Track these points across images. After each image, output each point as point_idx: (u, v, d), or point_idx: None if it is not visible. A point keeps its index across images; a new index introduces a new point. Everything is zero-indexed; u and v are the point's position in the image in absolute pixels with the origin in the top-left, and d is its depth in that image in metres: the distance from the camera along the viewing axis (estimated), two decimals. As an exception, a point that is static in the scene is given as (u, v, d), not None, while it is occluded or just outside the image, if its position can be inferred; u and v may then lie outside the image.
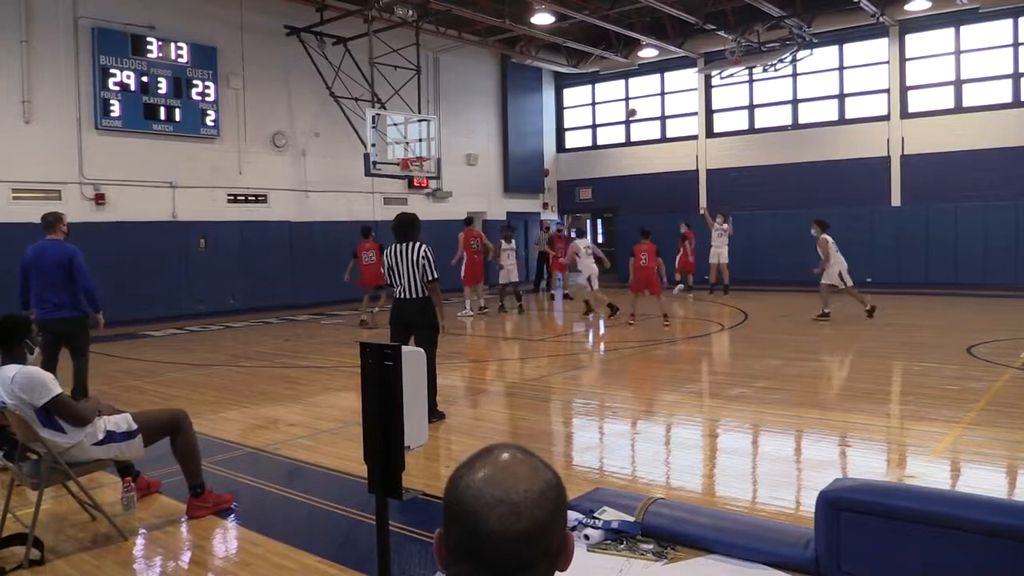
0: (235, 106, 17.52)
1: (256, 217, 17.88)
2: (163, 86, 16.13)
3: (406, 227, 7.31)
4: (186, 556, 4.46)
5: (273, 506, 5.31)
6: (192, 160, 16.74)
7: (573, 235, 20.73)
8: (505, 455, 1.23)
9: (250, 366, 10.86)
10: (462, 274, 16.30)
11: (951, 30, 19.29)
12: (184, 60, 16.47)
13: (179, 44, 16.38)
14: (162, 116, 16.16)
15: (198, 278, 16.78)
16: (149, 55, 15.93)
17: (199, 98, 16.73)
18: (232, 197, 17.55)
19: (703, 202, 23.02)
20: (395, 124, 17.96)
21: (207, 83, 16.82)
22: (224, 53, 17.23)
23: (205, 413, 7.78)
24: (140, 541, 4.61)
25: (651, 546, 3.66)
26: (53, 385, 4.43)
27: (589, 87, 25.70)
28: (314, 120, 19.05)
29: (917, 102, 19.98)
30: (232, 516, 4.96)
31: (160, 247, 16.01)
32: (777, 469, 5.93)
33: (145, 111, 15.91)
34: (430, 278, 7.18)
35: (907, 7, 18.50)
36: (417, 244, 7.25)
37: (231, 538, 4.70)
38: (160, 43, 16.08)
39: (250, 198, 17.87)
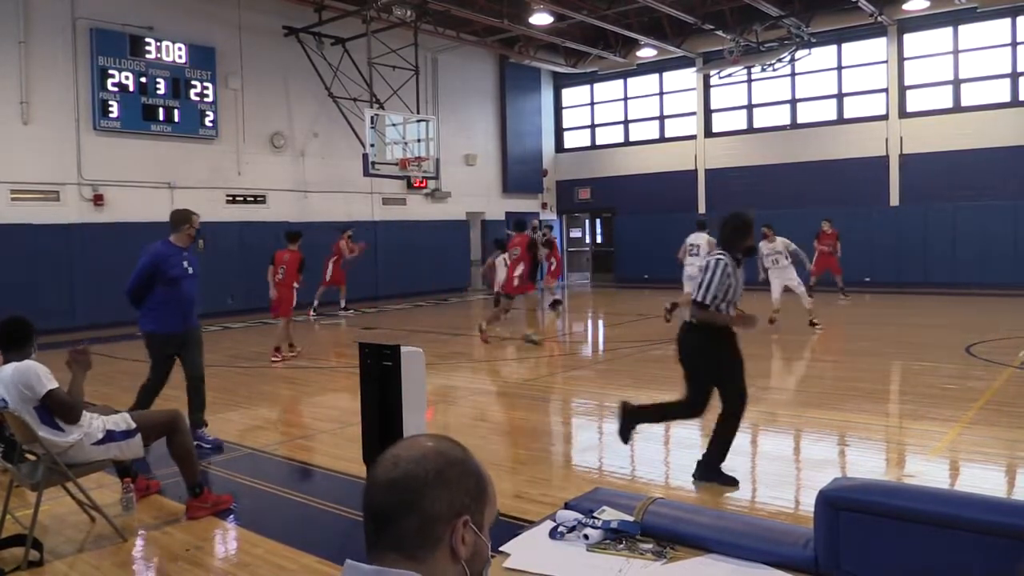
0: (234, 107, 17.52)
1: (255, 218, 17.88)
2: (161, 87, 16.13)
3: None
4: (185, 557, 4.45)
5: (272, 507, 5.31)
6: (191, 161, 16.74)
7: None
8: (430, 437, 1.34)
9: (248, 367, 10.85)
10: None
11: (949, 29, 19.29)
12: (182, 61, 16.47)
13: (178, 45, 16.38)
14: (161, 117, 16.17)
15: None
16: (148, 56, 15.93)
17: (197, 99, 16.73)
18: (231, 198, 17.54)
19: (701, 206, 23.03)
20: (394, 124, 17.96)
21: (206, 84, 16.82)
22: (222, 54, 17.23)
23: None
24: (139, 542, 4.60)
25: (650, 546, 3.65)
26: (47, 380, 4.38)
27: (587, 87, 25.71)
28: (313, 120, 19.05)
29: (915, 101, 19.99)
30: (231, 517, 4.95)
31: (159, 248, 15.98)
32: (776, 469, 5.93)
33: (144, 112, 15.91)
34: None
35: (905, 7, 18.52)
36: None
37: (230, 539, 4.70)
38: (158, 44, 16.08)
39: (249, 199, 17.87)
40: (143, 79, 15.87)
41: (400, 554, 1.23)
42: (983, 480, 5.49)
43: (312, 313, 16.41)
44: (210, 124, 16.99)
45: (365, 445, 5.30)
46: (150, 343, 6.56)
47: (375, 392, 5.05)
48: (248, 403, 8.55)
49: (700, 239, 13.95)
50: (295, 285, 11.50)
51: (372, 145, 16.95)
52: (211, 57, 16.96)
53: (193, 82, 16.63)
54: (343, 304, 17.03)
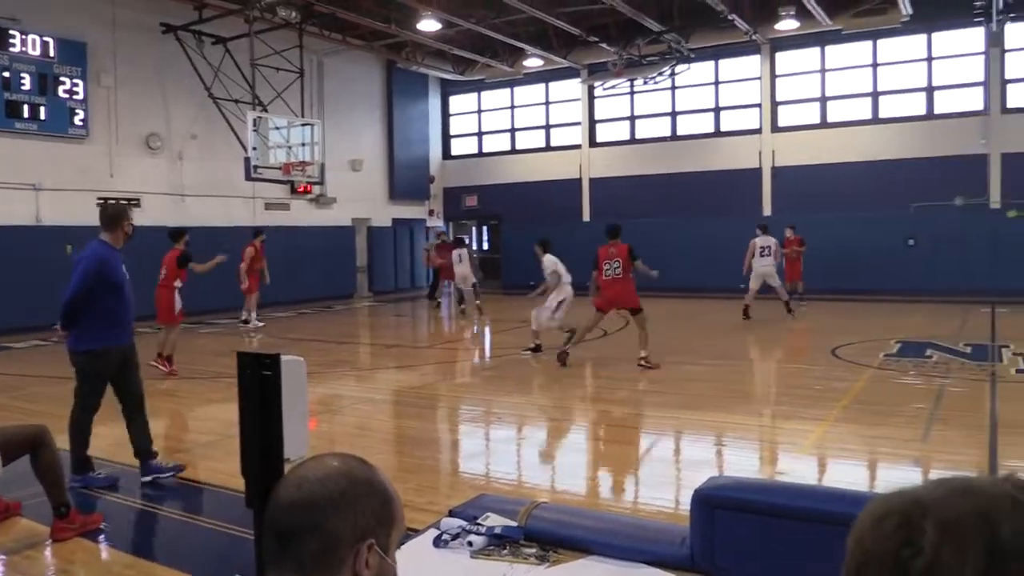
0: (106, 105, 16.72)
1: (129, 222, 17.10)
2: (27, 82, 15.23)
3: None
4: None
5: (146, 525, 5.10)
6: (58, 161, 15.86)
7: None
8: (336, 457, 1.31)
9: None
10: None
11: (817, 50, 20.37)
12: (51, 55, 15.59)
13: (45, 38, 15.49)
14: (25, 114, 15.26)
15: (65, 287, 15.88)
16: (12, 49, 15.00)
17: (66, 96, 15.87)
18: (102, 201, 16.70)
19: (585, 214, 23.45)
20: (277, 128, 17.54)
21: (75, 80, 15.98)
22: (95, 49, 16.42)
23: (72, 428, 7.36)
24: (-2, 567, 4.33)
25: (533, 550, 3.70)
26: None
27: (475, 95, 25.84)
28: (191, 122, 18.39)
29: (786, 117, 21.03)
30: (101, 537, 4.71)
31: (23, 254, 15.03)
32: (657, 470, 6.11)
33: (6, 108, 14.97)
34: None
35: (777, 26, 19.40)
36: None
37: (100, 560, 4.47)
38: (24, 36, 15.17)
39: (122, 201, 17.07)
40: (6, 73, 14.93)
41: (301, 575, 1.21)
42: (847, 475, 5.81)
43: (255, 323, 15.67)
44: (80, 123, 16.16)
45: (244, 458, 5.14)
46: (89, 363, 5.66)
47: (254, 403, 4.90)
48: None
49: (769, 241, 15.54)
50: (176, 284, 10.71)
51: (254, 148, 16.52)
52: (82, 52, 16.13)
53: (62, 78, 15.76)
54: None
